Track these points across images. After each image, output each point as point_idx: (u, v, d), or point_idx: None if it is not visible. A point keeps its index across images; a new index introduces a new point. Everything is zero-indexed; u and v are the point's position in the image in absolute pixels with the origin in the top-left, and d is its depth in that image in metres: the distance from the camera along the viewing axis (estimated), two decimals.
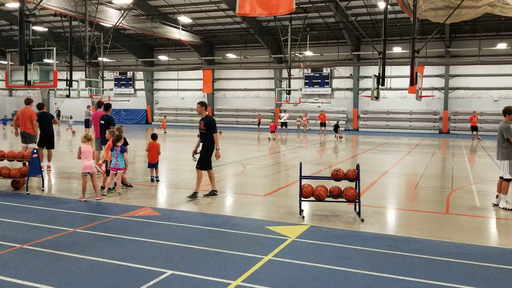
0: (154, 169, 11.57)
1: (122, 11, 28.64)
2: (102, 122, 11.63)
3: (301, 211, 7.98)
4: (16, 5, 16.63)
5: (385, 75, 19.81)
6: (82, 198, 9.10)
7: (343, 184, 8.36)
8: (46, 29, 39.78)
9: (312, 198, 7.96)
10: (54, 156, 15.24)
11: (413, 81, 19.02)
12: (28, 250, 6.01)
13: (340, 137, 28.72)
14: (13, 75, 17.45)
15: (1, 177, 9.97)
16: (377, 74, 20.04)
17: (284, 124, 34.89)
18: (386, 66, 19.92)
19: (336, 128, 29.58)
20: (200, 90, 43.84)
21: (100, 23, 28.70)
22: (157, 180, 11.51)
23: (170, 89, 47.46)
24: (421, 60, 29.72)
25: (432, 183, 12.29)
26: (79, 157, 9.18)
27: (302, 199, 7.91)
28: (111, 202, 8.98)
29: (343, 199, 7.97)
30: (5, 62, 17.69)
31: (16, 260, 5.62)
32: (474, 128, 30.14)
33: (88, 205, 8.69)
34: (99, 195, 9.27)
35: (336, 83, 41.37)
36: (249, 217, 7.97)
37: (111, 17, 28.90)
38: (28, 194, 9.61)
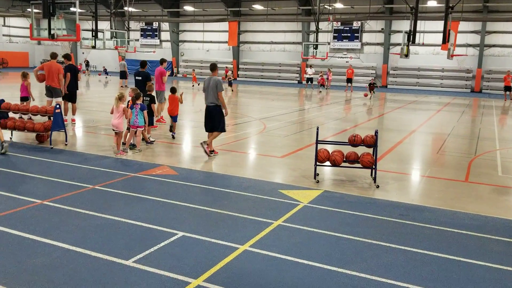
0: (175, 123, 11.77)
1: None
2: (139, 78, 12.36)
3: (316, 175, 7.97)
4: None
5: (418, 30, 19.01)
6: (120, 154, 9.47)
7: (361, 149, 8.26)
8: None
9: (327, 163, 7.92)
10: (81, 108, 15.53)
11: (446, 38, 18.25)
12: (47, 206, 6.24)
13: (366, 95, 27.88)
14: (40, 23, 17.55)
15: (26, 130, 10.26)
16: (408, 31, 19.27)
17: (309, 79, 34.24)
18: (418, 22, 19.09)
19: (372, 86, 27.42)
20: (226, 42, 43.23)
21: None
22: (173, 137, 11.64)
23: (196, 41, 46.99)
24: (456, 15, 28.32)
25: (456, 147, 12.03)
26: (112, 113, 9.64)
27: (318, 163, 7.88)
28: (130, 159, 9.17)
29: (359, 165, 7.90)
30: (31, 10, 17.73)
31: (36, 216, 5.87)
32: (507, 88, 28.99)
33: (108, 162, 8.90)
34: (120, 152, 9.46)
35: (366, 37, 40.02)
36: (263, 179, 8.02)
37: None
38: (51, 148, 9.89)
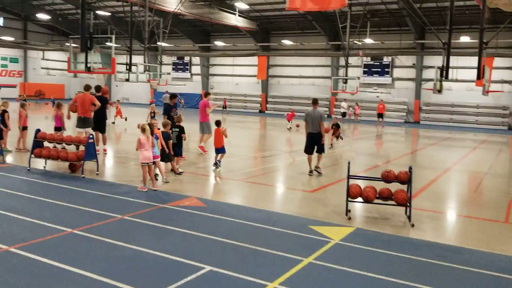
0: (220, 154, 11.78)
1: None
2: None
3: (347, 211, 7.75)
4: None
5: (451, 66, 18.71)
6: (143, 189, 9.09)
7: (394, 186, 8.01)
8: (108, 14, 41.18)
9: (360, 199, 7.70)
10: (111, 138, 15.84)
11: (480, 74, 17.90)
12: (77, 235, 6.24)
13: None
14: (77, 57, 18.25)
15: (59, 159, 10.45)
16: (441, 66, 19.02)
17: (343, 114, 33.95)
18: (451, 57, 18.82)
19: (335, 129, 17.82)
20: (255, 76, 43.76)
21: (160, 8, 29.23)
22: (215, 165, 11.65)
23: (225, 75, 47.78)
24: (491, 51, 27.90)
25: (494, 186, 11.56)
26: (138, 148, 9.17)
27: (349, 199, 7.67)
28: (160, 190, 9.15)
29: (393, 202, 7.64)
30: (69, 44, 18.48)
31: (65, 245, 5.86)
32: None
33: (137, 192, 8.90)
34: (156, 185, 9.28)
35: (397, 72, 39.78)
36: (292, 214, 7.84)
37: (170, 3, 29.38)
38: (83, 177, 10.01)
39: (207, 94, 14.81)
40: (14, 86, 49.70)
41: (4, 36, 45.98)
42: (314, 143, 11.28)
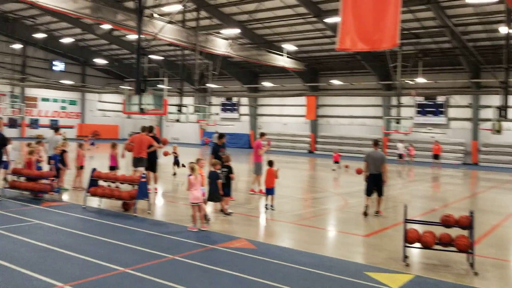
0: (270, 196, 11.65)
1: (230, 41, 29.91)
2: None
3: (405, 257, 7.34)
4: (136, 36, 18.20)
5: (509, 105, 17.98)
6: (192, 229, 9.09)
7: (455, 231, 7.55)
8: (161, 58, 43.07)
9: (418, 245, 7.30)
10: (162, 178, 16.13)
11: None
12: (130, 275, 6.25)
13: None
14: (131, 99, 19.05)
15: (113, 198, 10.70)
16: (499, 106, 18.30)
17: (399, 155, 32.83)
18: (510, 96, 18.10)
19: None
20: (303, 116, 43.84)
21: (210, 52, 30.26)
22: (266, 208, 11.53)
23: (273, 115, 48.21)
24: None
25: None
26: (189, 189, 9.22)
27: (407, 244, 7.29)
28: (208, 231, 9.10)
29: (454, 248, 7.18)
30: (125, 87, 19.41)
31: (117, 284, 5.87)
32: None
33: (187, 232, 8.89)
34: (205, 226, 9.27)
35: (452, 112, 38.49)
36: (347, 259, 7.53)
37: (219, 46, 30.35)
38: (135, 216, 10.16)
39: (262, 134, 14.89)
40: (72, 127, 52.47)
41: (64, 79, 49.06)
42: (375, 185, 11.34)
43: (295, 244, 8.45)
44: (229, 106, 51.13)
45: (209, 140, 38.18)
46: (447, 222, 7.38)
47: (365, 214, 11.30)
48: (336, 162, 24.64)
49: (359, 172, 13.89)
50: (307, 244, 8.48)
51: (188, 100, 34.28)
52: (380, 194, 11.47)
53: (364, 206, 11.46)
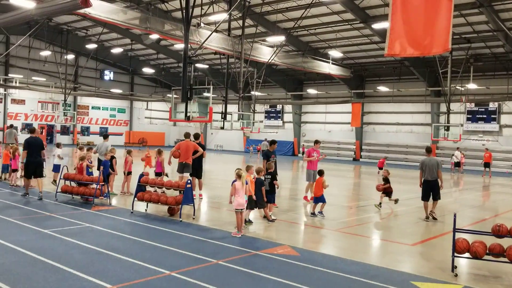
0: (320, 204, 11.64)
1: (275, 48, 30.05)
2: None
3: (454, 267, 7.09)
4: (183, 45, 18.65)
5: None
6: (237, 234, 9.14)
7: (506, 241, 7.22)
8: (206, 66, 43.85)
9: (467, 255, 7.03)
10: (206, 184, 16.37)
11: None
12: (175, 278, 6.39)
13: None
14: (177, 107, 19.49)
15: (160, 203, 10.98)
16: None
17: (457, 163, 31.63)
18: None
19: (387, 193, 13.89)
20: (348, 123, 43.29)
21: (254, 60, 30.51)
22: (322, 216, 11.51)
23: (317, 122, 47.87)
24: None
25: None
26: (232, 194, 9.29)
27: (456, 254, 7.03)
28: (252, 237, 9.15)
29: (506, 259, 6.86)
30: (171, 95, 19.90)
31: (163, 287, 6.00)
32: None
33: (231, 238, 8.98)
34: (237, 233, 9.22)
35: (505, 119, 36.84)
36: (392, 268, 7.35)
37: (264, 54, 30.54)
38: (180, 221, 10.37)
39: (316, 142, 14.80)
40: (120, 134, 54.32)
41: (113, 88, 50.96)
42: (430, 190, 11.77)
43: (339, 252, 8.35)
44: (273, 114, 51.26)
45: (260, 148, 38.53)
46: (499, 233, 7.07)
47: (427, 218, 11.85)
48: (381, 168, 24.42)
49: (379, 189, 13.62)
50: (351, 252, 8.36)
51: (233, 108, 34.70)
52: (435, 198, 11.86)
53: (425, 211, 11.98)
